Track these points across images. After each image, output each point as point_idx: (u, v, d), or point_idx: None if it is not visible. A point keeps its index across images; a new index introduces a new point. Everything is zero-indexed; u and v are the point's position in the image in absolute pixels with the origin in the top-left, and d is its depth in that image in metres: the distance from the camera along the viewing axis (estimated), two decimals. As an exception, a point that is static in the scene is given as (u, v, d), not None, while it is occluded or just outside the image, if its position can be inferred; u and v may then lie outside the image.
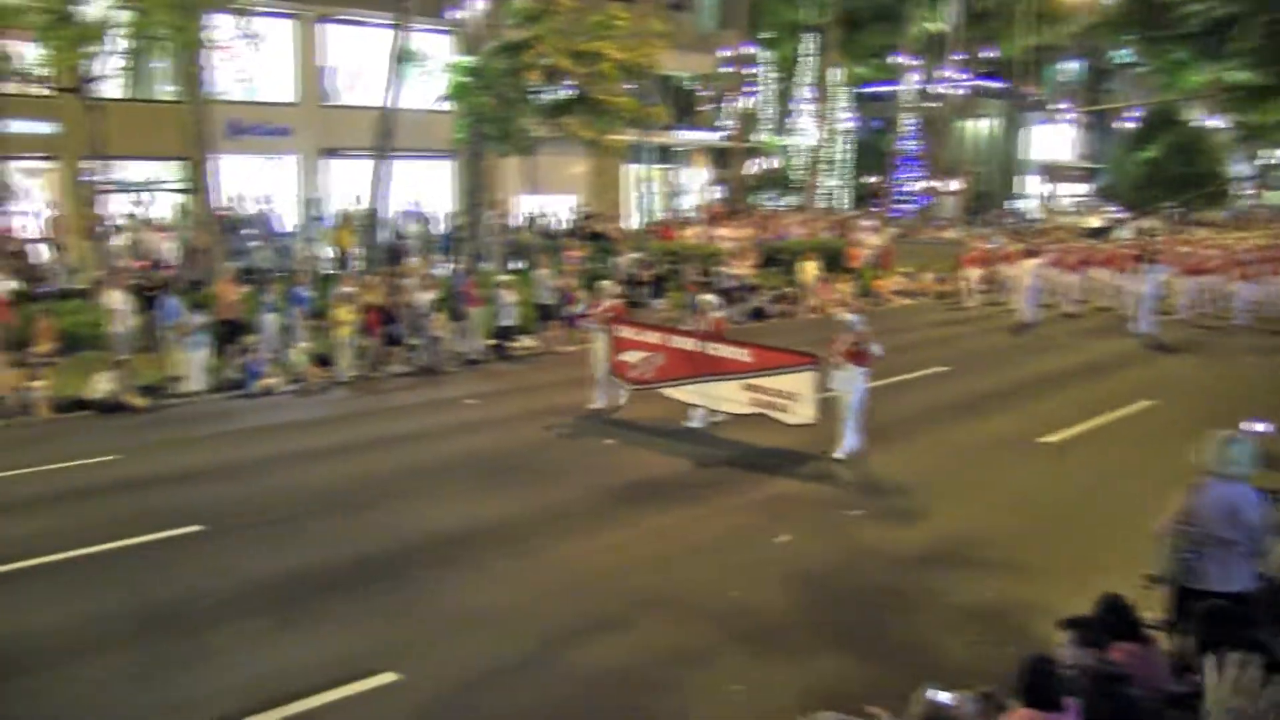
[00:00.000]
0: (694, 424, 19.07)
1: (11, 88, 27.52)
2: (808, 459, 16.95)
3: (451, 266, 31.00)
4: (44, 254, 28.89)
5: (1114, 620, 7.53)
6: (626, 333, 20.07)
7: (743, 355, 17.86)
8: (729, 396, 18.00)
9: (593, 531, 13.80)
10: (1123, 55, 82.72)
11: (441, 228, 34.76)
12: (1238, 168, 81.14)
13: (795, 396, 16.85)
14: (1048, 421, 19.55)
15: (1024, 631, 10.41)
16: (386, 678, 9.73)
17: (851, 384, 16.87)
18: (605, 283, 23.32)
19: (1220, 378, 24.68)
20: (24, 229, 29.61)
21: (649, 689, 9.63)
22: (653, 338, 19.62)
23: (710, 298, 21.26)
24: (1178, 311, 34.00)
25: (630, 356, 19.77)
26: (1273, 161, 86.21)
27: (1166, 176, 71.98)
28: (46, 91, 28.93)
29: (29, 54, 26.64)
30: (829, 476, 16.37)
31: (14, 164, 30.50)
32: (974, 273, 38.58)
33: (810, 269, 36.13)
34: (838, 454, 16.85)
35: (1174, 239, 48.52)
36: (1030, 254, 36.41)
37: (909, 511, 14.65)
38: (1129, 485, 15.10)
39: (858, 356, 16.82)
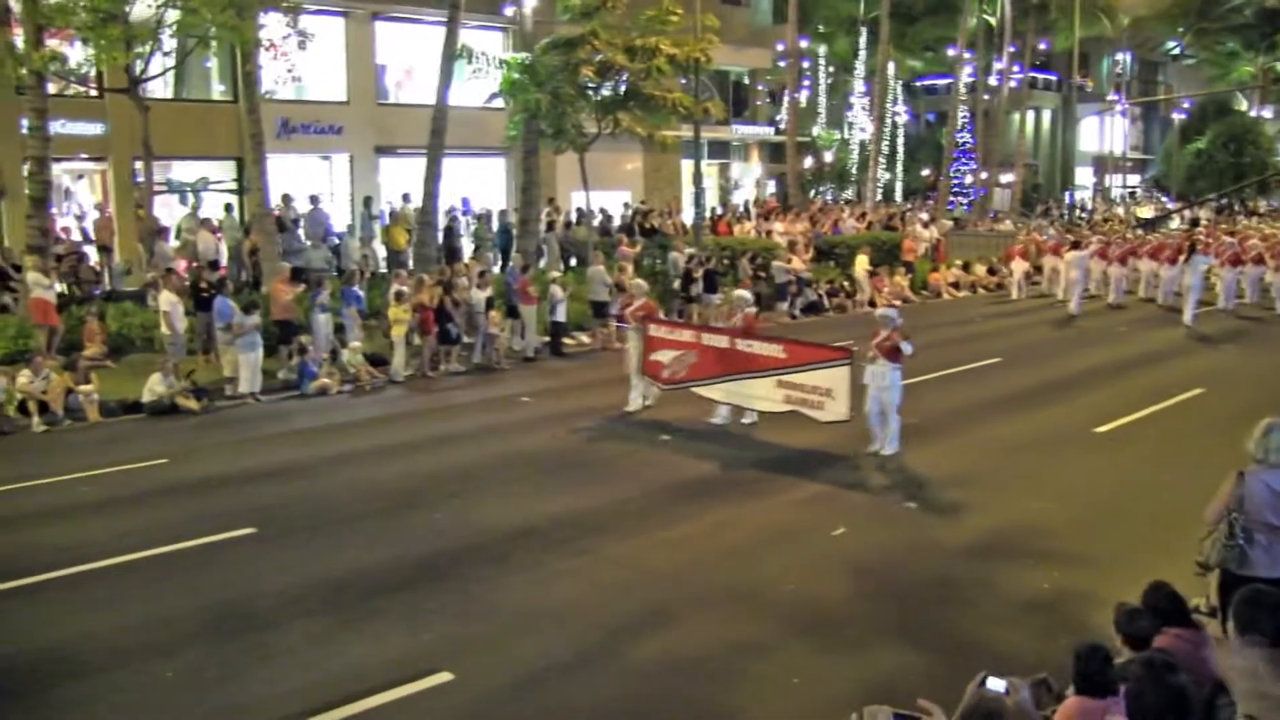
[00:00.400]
0: (718, 420, 18.94)
1: (58, 88, 27.40)
2: (846, 459, 16.73)
3: (506, 264, 30.74)
4: (93, 256, 28.78)
5: (1163, 607, 7.38)
6: (659, 331, 19.65)
7: (776, 351, 17.54)
8: (763, 395, 17.60)
9: (648, 528, 13.68)
10: (1173, 47, 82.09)
11: (496, 225, 34.51)
12: None
13: (830, 393, 16.49)
14: (1099, 412, 19.63)
15: (1080, 622, 10.33)
16: (443, 677, 9.59)
17: (885, 379, 16.51)
18: (638, 280, 22.72)
19: (1270, 366, 24.62)
20: (73, 231, 29.51)
21: (706, 682, 9.49)
22: (686, 336, 19.27)
23: (743, 293, 20.89)
24: (1221, 302, 34.06)
25: (663, 356, 19.30)
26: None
27: (1216, 167, 71.61)
28: (94, 92, 28.89)
29: (77, 54, 26.53)
30: (881, 470, 16.35)
31: (63, 165, 30.47)
32: (1020, 265, 38.42)
33: (862, 263, 35.87)
34: (885, 450, 16.70)
35: (1217, 229, 48.00)
36: (1075, 246, 36.34)
37: (962, 504, 14.59)
38: (1180, 474, 15.08)
39: (892, 352, 16.44)
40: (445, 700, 9.23)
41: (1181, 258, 33.27)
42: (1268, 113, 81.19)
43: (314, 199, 31.90)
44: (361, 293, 25.18)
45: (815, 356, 17.07)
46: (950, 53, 60.82)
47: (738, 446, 17.80)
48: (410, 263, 29.34)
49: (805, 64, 58.84)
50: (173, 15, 25.46)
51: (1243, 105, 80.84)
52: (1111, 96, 78.23)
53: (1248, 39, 78.18)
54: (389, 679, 9.50)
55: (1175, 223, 58.40)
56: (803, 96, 56.67)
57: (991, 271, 40.39)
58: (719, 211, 43.52)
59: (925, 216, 46.67)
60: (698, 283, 30.17)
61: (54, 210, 27.06)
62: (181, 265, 26.69)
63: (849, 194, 59.11)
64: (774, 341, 17.95)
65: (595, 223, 36.15)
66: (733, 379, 18.07)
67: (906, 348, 16.40)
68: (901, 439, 16.77)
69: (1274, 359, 25.69)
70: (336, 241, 31.42)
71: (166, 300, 22.59)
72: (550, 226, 34.61)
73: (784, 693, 9.28)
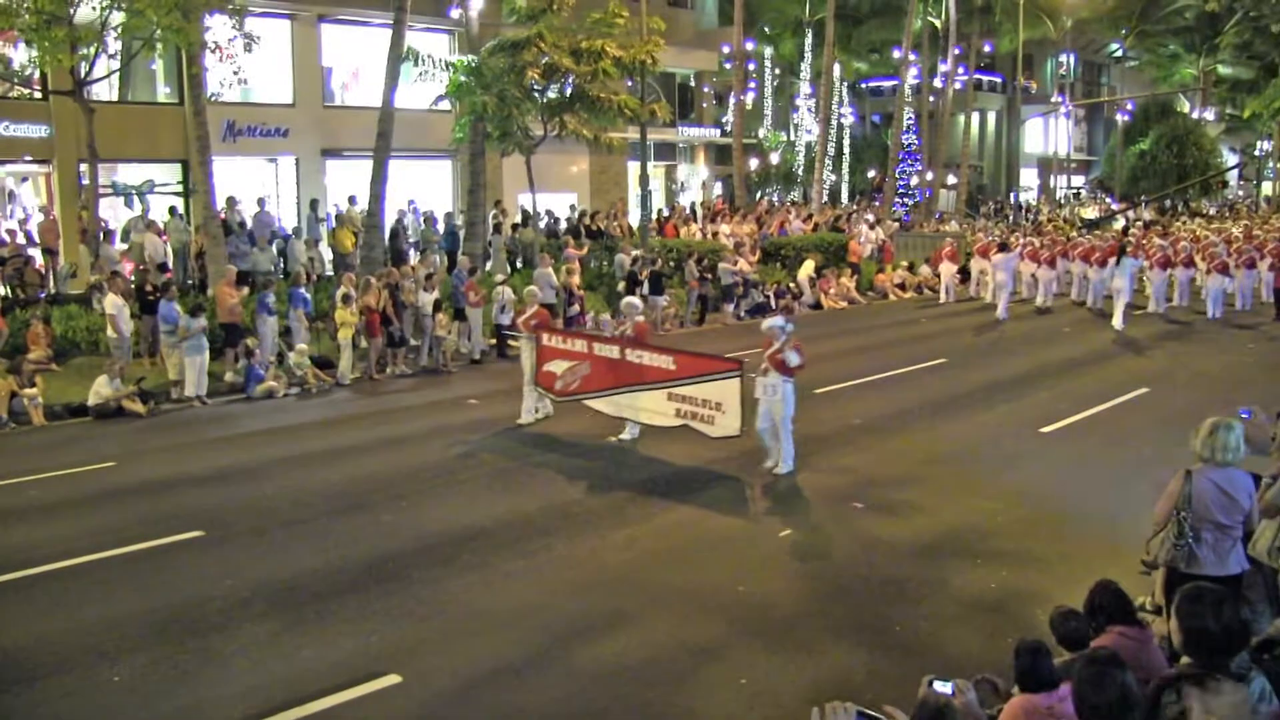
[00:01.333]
0: (627, 436, 18.07)
1: (1, 90, 27.23)
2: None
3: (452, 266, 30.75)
4: (37, 259, 28.60)
5: (1109, 605, 7.50)
6: (552, 341, 18.81)
7: (666, 363, 16.68)
8: (654, 408, 16.87)
9: (598, 530, 13.73)
10: (1116, 49, 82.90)
11: (442, 228, 34.49)
12: (1227, 159, 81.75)
13: (721, 406, 15.77)
14: (1045, 412, 19.88)
15: (1026, 620, 10.46)
16: (391, 679, 9.61)
17: (776, 393, 15.62)
18: (531, 288, 21.64)
19: (1214, 365, 25.03)
20: (16, 233, 29.31)
21: (656, 684, 9.54)
22: (578, 346, 18.39)
23: (632, 300, 19.80)
24: (1152, 305, 33.99)
25: (556, 366, 18.48)
26: (1259, 153, 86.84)
27: (1159, 168, 72.41)
28: (39, 94, 28.72)
29: (21, 56, 26.37)
30: (829, 471, 16.27)
31: (6, 168, 30.25)
32: (948, 268, 38.12)
33: (807, 269, 36.27)
34: (780, 469, 15.86)
35: (1149, 231, 48.47)
36: (1001, 248, 35.83)
37: (910, 504, 14.65)
38: (1125, 473, 15.39)
39: (783, 365, 15.53)
40: (393, 703, 9.27)
41: (1112, 260, 32.61)
42: (1209, 115, 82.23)
43: (260, 201, 31.80)
44: (308, 295, 25.13)
45: (705, 368, 16.30)
46: (895, 55, 61.27)
47: (683, 445, 17.77)
48: (357, 265, 29.32)
49: (751, 66, 59.17)
50: (118, 17, 25.34)
51: (1185, 107, 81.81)
52: (1055, 98, 78.97)
53: (1189, 42, 79.17)
54: (337, 681, 9.53)
55: (1120, 223, 58.99)
56: (749, 98, 56.97)
57: (936, 274, 40.45)
58: (665, 213, 43.60)
59: (871, 218, 46.96)
60: (644, 285, 30.28)
61: (-1, 213, 26.92)
62: (127, 268, 26.56)
63: (795, 195, 59.36)
64: (663, 352, 17.10)
65: (542, 225, 36.17)
66: (623, 391, 17.31)
67: (793, 358, 15.44)
68: (798, 456, 16.10)
69: (1218, 358, 26.02)
70: (283, 244, 31.34)
71: (112, 303, 22.50)
72: (497, 229, 34.62)
73: (734, 693, 9.34)
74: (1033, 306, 35.39)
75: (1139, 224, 56.55)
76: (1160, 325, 31.56)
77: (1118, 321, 29.86)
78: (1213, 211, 72.57)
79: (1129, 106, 78.86)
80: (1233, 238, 41.32)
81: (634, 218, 39.51)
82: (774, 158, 61.80)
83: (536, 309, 19.76)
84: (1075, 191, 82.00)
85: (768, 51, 63.29)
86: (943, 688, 5.10)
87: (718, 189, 57.67)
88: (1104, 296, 33.75)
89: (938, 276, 38.76)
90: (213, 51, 26.97)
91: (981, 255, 37.66)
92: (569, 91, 32.22)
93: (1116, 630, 7.38)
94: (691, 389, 16.19)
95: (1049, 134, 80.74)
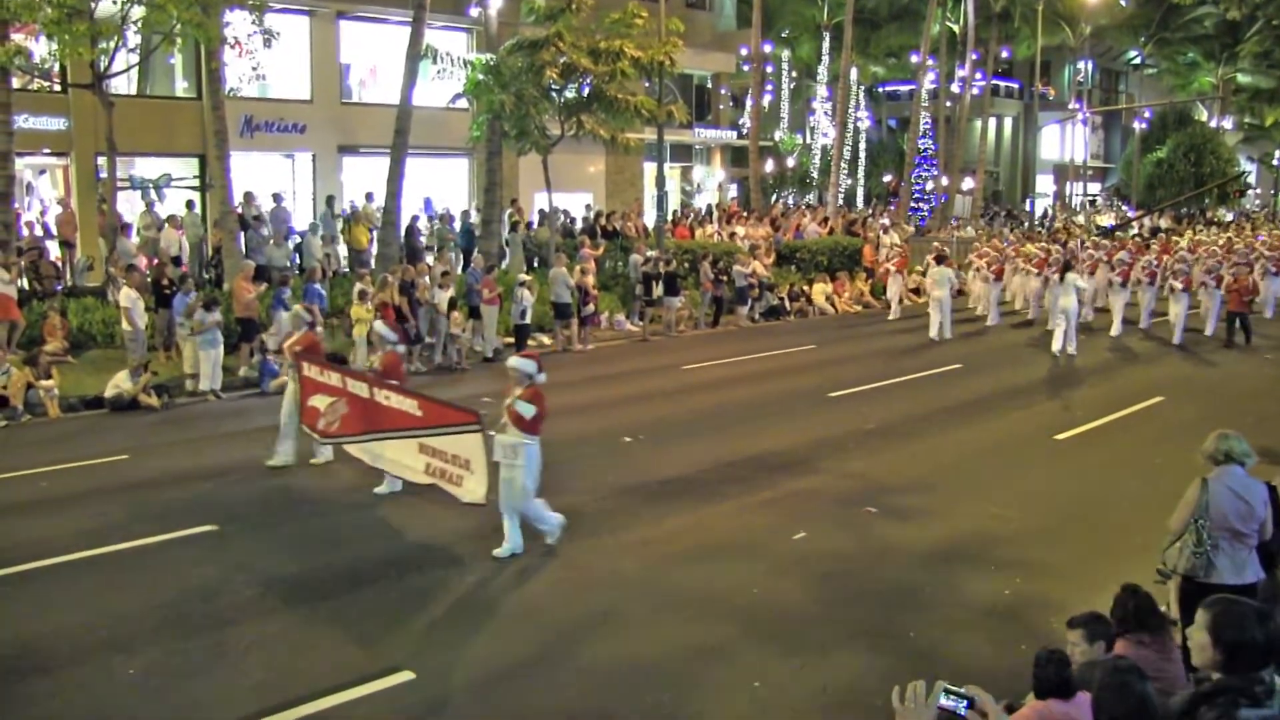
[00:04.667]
0: (383, 490, 15.11)
1: (22, 82, 27.28)
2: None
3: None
4: (54, 251, 28.66)
5: (1134, 611, 7.48)
6: (312, 372, 15.87)
7: (412, 407, 13.79)
8: (404, 461, 14.00)
9: (611, 530, 13.74)
10: (1134, 57, 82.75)
11: (458, 226, 34.52)
12: (1244, 167, 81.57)
13: (469, 465, 12.83)
14: (1059, 419, 19.65)
15: (1040, 628, 10.49)
16: (404, 676, 9.61)
17: (516, 456, 12.57)
18: (297, 307, 18.65)
19: (1224, 376, 24.87)
20: (34, 226, 29.39)
21: (667, 685, 9.51)
22: (334, 379, 15.40)
23: (380, 326, 16.92)
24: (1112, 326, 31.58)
25: (319, 401, 15.50)
26: (1277, 162, 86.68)
27: (1177, 176, 72.21)
28: (58, 87, 28.79)
29: (41, 49, 26.43)
30: (842, 476, 16.14)
31: (25, 160, 30.32)
32: (896, 283, 36.48)
33: (820, 290, 36.54)
34: (498, 551, 12.63)
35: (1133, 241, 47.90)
36: (940, 259, 33.06)
37: (924, 509, 14.63)
38: (1139, 482, 15.14)
39: (518, 419, 12.59)
40: (406, 699, 9.26)
41: (1055, 277, 29.47)
42: (1227, 123, 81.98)
43: (276, 197, 31.88)
44: (323, 291, 25.16)
45: (447, 418, 13.40)
46: (913, 59, 61.27)
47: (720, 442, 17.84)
48: (372, 262, 29.35)
49: (769, 68, 59.09)
50: (138, 11, 25.37)
51: (1203, 115, 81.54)
52: (1073, 105, 78.73)
53: (1208, 50, 78.89)
54: (350, 677, 9.52)
55: (1133, 230, 58.88)
56: (765, 101, 56.87)
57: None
58: (679, 214, 43.58)
59: (886, 222, 46.89)
60: (657, 285, 30.30)
61: (16, 205, 26.95)
62: (143, 262, 26.61)
63: (810, 198, 59.30)
64: (408, 395, 14.07)
65: (557, 224, 36.20)
66: (374, 437, 14.47)
67: (527, 410, 12.48)
68: (560, 530, 13.13)
69: (1234, 368, 26.09)
70: (299, 240, 31.39)
71: (127, 296, 22.54)
72: (513, 228, 34.64)
73: (747, 697, 9.32)
74: (983, 323, 33.91)
75: (1134, 235, 56.24)
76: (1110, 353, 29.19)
77: (1058, 343, 27.27)
78: (1229, 219, 72.41)
79: (1146, 114, 78.63)
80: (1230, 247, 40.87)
81: (649, 218, 39.48)
82: (790, 161, 61.74)
83: (304, 333, 16.93)
84: (1091, 199, 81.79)
85: (785, 54, 63.20)
86: (948, 702, 5.00)
87: (733, 191, 57.64)
88: (1051, 314, 30.14)
89: (890, 288, 37.01)
90: (232, 47, 27.05)
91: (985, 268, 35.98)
92: (586, 91, 32.20)
93: (1137, 638, 7.35)
94: (440, 441, 13.29)
95: (1066, 141, 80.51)
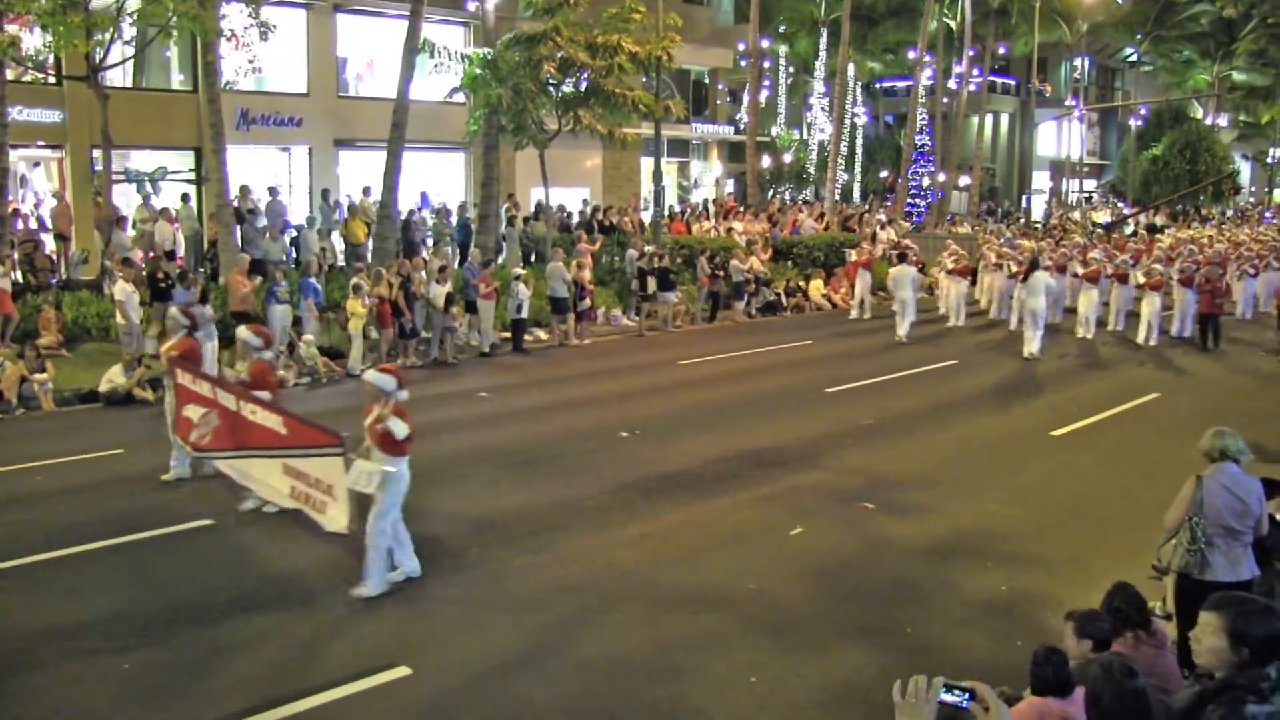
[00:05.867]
0: (248, 505, 13.97)
1: (16, 74, 27.22)
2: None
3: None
4: (49, 244, 28.58)
5: (1125, 608, 7.51)
6: (185, 379, 14.60)
7: (276, 424, 12.56)
8: (270, 481, 12.78)
9: (608, 525, 13.69)
10: (1130, 54, 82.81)
11: (455, 220, 34.48)
12: (1239, 165, 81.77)
13: (332, 490, 11.62)
14: (1056, 415, 19.66)
15: (1037, 624, 10.55)
16: (401, 671, 9.59)
17: (376, 480, 11.43)
18: (173, 310, 16.55)
19: (1224, 370, 24.80)
20: (29, 219, 29.31)
21: (666, 681, 9.50)
22: (204, 389, 14.13)
23: (244, 332, 14.95)
24: (1083, 327, 30.30)
25: (193, 412, 14.20)
26: (1272, 159, 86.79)
27: (1172, 173, 72.29)
28: (52, 79, 28.72)
29: (35, 41, 26.36)
30: (839, 471, 16.11)
31: (19, 152, 30.25)
32: (864, 280, 34.94)
33: (816, 287, 36.51)
34: (359, 590, 11.31)
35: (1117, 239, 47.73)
36: (902, 258, 32.29)
37: (921, 505, 14.64)
38: (1136, 477, 15.08)
39: (386, 439, 11.50)
40: (403, 694, 9.25)
41: (1020, 275, 28.86)
42: (1223, 121, 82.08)
43: (272, 191, 31.81)
44: (319, 285, 25.11)
45: (309, 438, 12.14)
46: (910, 55, 61.16)
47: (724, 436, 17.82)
48: (369, 256, 29.30)
49: (766, 64, 59.11)
50: (134, 4, 25.33)
51: (1198, 113, 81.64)
52: (1069, 102, 78.77)
53: (1204, 47, 79.00)
54: (346, 672, 9.51)
55: (1130, 228, 58.89)
56: (763, 96, 56.89)
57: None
58: (676, 210, 43.55)
59: (883, 218, 46.85)
60: (650, 281, 30.26)
61: (10, 198, 26.87)
62: (138, 255, 26.55)
63: (807, 194, 59.30)
64: (273, 410, 12.80)
65: (554, 219, 36.15)
66: (241, 454, 13.33)
67: (399, 429, 11.36)
68: (420, 562, 11.95)
69: (1231, 365, 26.16)
70: (294, 234, 31.33)
71: (122, 290, 22.50)
72: (510, 222, 34.61)
73: (744, 691, 9.31)
74: (947, 325, 32.81)
75: (1106, 231, 56.12)
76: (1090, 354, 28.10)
77: (1035, 347, 26.30)
78: (1228, 215, 72.51)
79: (1142, 111, 78.66)
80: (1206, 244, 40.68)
81: (646, 214, 39.45)
82: (787, 156, 61.70)
83: (180, 338, 15.48)
84: (1088, 195, 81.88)
85: (783, 50, 63.23)
86: (950, 697, 4.93)
87: (730, 186, 57.64)
88: (1018, 314, 29.68)
89: (852, 290, 35.82)
90: (228, 39, 26.99)
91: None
92: (584, 86, 32.18)
93: (1135, 636, 7.38)
94: (304, 463, 12.08)
95: (1062, 137, 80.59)
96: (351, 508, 11.35)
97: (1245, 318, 34.08)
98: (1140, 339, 28.69)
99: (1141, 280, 30.10)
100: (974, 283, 35.97)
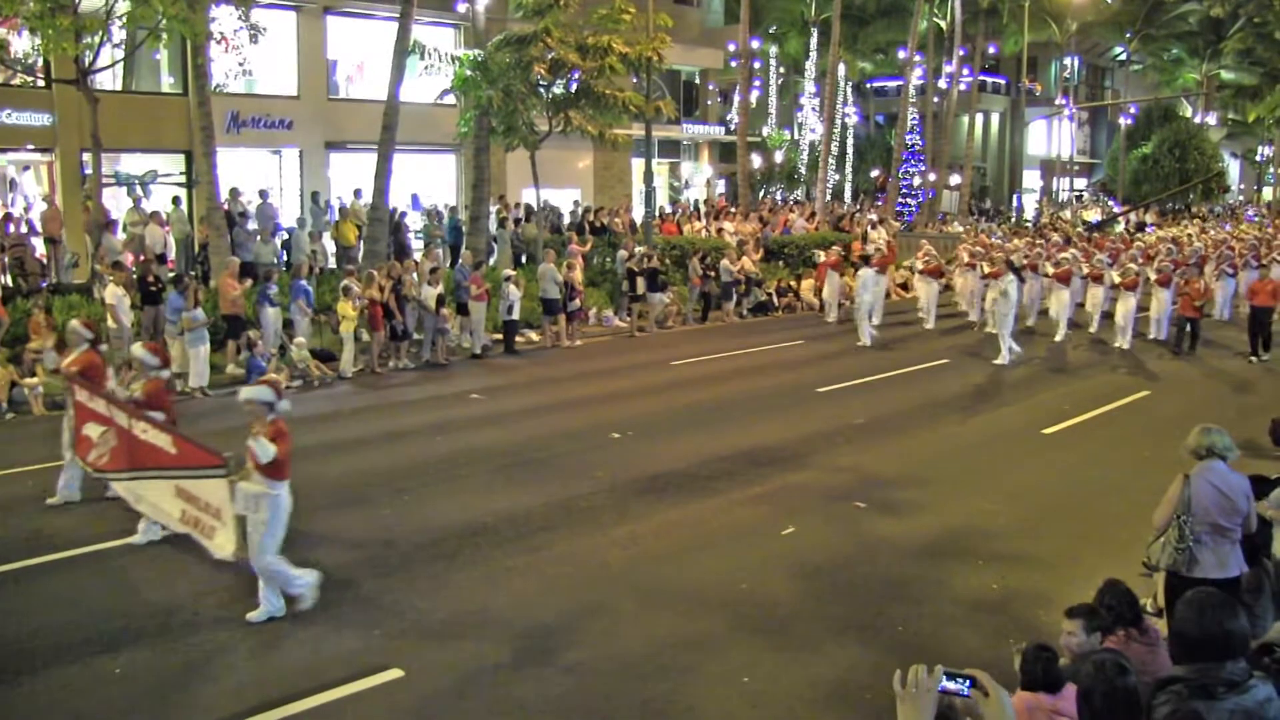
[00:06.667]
0: (142, 538, 13.01)
1: (4, 77, 27.18)
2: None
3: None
4: (39, 248, 28.54)
5: (1117, 605, 7.52)
6: (82, 396, 13.91)
7: (166, 443, 12.11)
8: (161, 504, 12.24)
9: (600, 526, 13.70)
10: (1120, 53, 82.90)
11: (446, 222, 34.47)
12: (1228, 163, 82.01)
13: (220, 514, 11.22)
14: (1047, 413, 19.70)
15: (1029, 621, 10.62)
16: (393, 674, 9.60)
17: (258, 508, 10.86)
18: (74, 323, 15.47)
19: (1212, 369, 24.68)
20: (19, 222, 29.26)
21: (657, 680, 9.53)
22: (101, 406, 13.46)
23: (138, 350, 14.46)
24: (1057, 330, 29.85)
25: (92, 430, 13.58)
26: (1260, 158, 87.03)
27: (1162, 172, 72.42)
28: (41, 82, 28.68)
29: (24, 44, 26.32)
30: (831, 470, 16.12)
31: (9, 155, 30.20)
32: (834, 281, 33.89)
33: (807, 287, 36.51)
34: (252, 616, 10.79)
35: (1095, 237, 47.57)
36: (866, 260, 31.65)
37: (913, 503, 14.68)
38: (1126, 475, 15.28)
39: (257, 462, 10.87)
40: (395, 697, 9.25)
41: (992, 276, 28.50)
42: (1212, 119, 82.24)
43: (263, 193, 31.82)
44: (310, 287, 25.08)
45: (194, 459, 11.70)
46: (901, 55, 61.14)
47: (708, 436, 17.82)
48: (360, 258, 29.29)
49: (756, 64, 59.01)
50: (123, 6, 25.25)
51: (1187, 111, 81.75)
52: (1059, 101, 78.88)
53: (1192, 46, 79.15)
54: (339, 675, 9.51)
55: (1120, 226, 58.95)
56: (753, 97, 56.84)
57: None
58: (667, 210, 43.55)
59: (874, 217, 46.89)
60: (638, 282, 30.25)
61: (0, 201, 26.84)
62: (129, 259, 26.50)
63: (798, 194, 59.32)
64: (164, 430, 12.36)
65: (545, 220, 36.16)
66: (136, 475, 12.66)
67: (265, 451, 10.72)
68: (314, 589, 11.14)
69: (1221, 364, 26.14)
70: (285, 236, 31.30)
71: (113, 294, 22.43)
72: (501, 223, 34.60)
73: (736, 690, 9.33)
74: (921, 326, 32.15)
75: (1137, 227, 56.21)
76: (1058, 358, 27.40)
77: (1004, 350, 25.51)
78: (1217, 213, 72.60)
79: (1132, 110, 78.79)
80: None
81: (637, 214, 39.45)
82: (778, 156, 61.70)
83: (82, 352, 14.73)
84: (1078, 194, 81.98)
85: (773, 50, 63.18)
86: (952, 685, 4.94)
87: (721, 187, 57.65)
88: (987, 316, 29.72)
89: (819, 292, 34.99)
90: (218, 42, 26.94)
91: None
92: (574, 87, 32.20)
93: (1127, 633, 7.41)
94: (192, 485, 11.67)
95: (1052, 136, 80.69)
96: (238, 534, 10.94)
97: (1224, 318, 33.72)
98: (1116, 342, 28.05)
99: (1117, 280, 29.42)
100: (949, 286, 35.87)
